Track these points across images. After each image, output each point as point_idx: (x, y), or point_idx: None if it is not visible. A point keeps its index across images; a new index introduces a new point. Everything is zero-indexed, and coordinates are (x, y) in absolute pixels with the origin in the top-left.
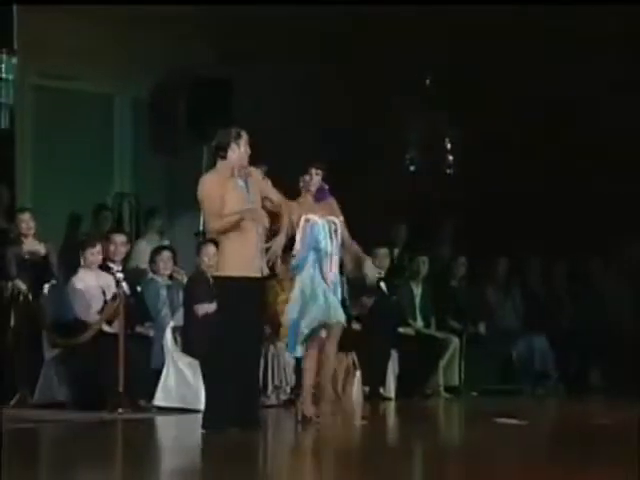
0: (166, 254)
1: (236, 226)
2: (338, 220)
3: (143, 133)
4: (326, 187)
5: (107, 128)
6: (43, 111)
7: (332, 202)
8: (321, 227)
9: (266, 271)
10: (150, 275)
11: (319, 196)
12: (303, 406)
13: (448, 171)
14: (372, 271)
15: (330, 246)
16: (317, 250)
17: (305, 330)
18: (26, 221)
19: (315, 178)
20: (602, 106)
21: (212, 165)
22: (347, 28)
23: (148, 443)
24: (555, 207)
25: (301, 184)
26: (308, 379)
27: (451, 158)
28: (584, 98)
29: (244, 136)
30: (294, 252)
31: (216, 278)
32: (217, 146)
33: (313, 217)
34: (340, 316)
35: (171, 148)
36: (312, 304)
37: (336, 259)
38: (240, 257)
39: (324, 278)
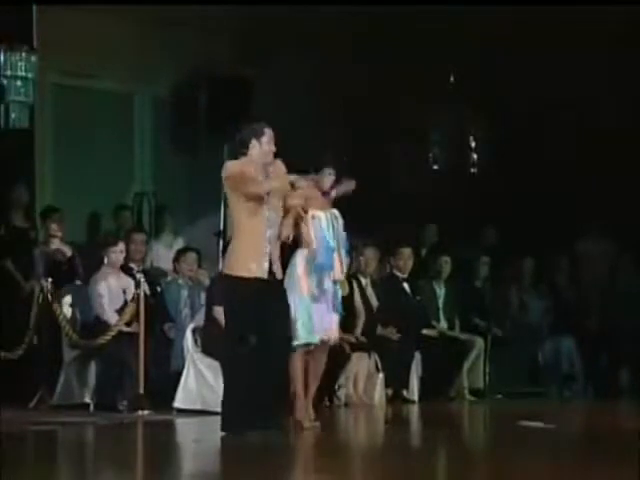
0: (192, 256)
1: (251, 219)
2: (338, 213)
3: (163, 132)
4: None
5: (127, 127)
6: (63, 110)
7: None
8: (326, 224)
9: (280, 274)
10: (172, 276)
11: (326, 194)
12: (295, 412)
13: (472, 170)
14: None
15: (334, 242)
16: (318, 245)
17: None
18: (56, 222)
19: (329, 178)
20: (631, 104)
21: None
22: (366, 25)
23: (168, 445)
24: (583, 206)
25: (311, 182)
26: (299, 386)
27: (475, 157)
28: (612, 96)
29: (267, 133)
30: (305, 246)
31: (228, 277)
32: (239, 142)
33: (319, 213)
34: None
35: (191, 147)
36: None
37: (342, 254)
38: (246, 258)
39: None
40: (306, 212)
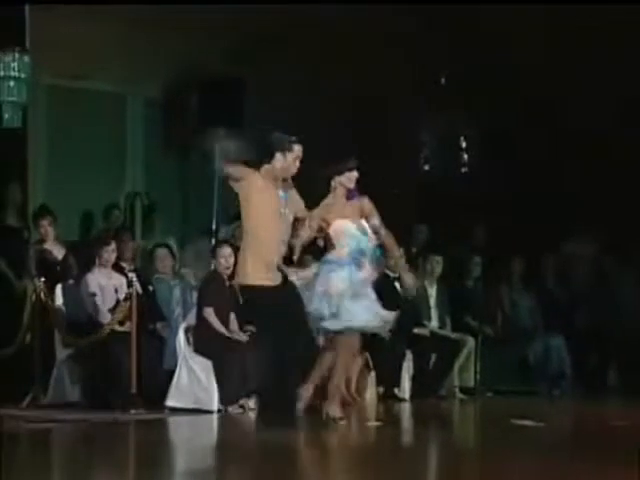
0: (161, 252)
1: (257, 235)
2: (367, 224)
3: (155, 132)
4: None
5: (119, 127)
6: (56, 110)
7: (364, 202)
8: (353, 230)
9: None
10: (157, 274)
11: (350, 195)
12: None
13: (463, 170)
14: (411, 282)
15: (367, 243)
16: (355, 253)
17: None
18: (44, 227)
19: (354, 178)
20: (624, 105)
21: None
22: (358, 25)
23: (161, 444)
24: (572, 205)
25: (333, 184)
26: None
27: (466, 157)
28: (603, 96)
29: (295, 149)
30: (329, 256)
31: (248, 287)
32: (268, 149)
33: (344, 221)
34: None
35: (183, 147)
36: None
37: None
38: (259, 267)
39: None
40: (328, 225)
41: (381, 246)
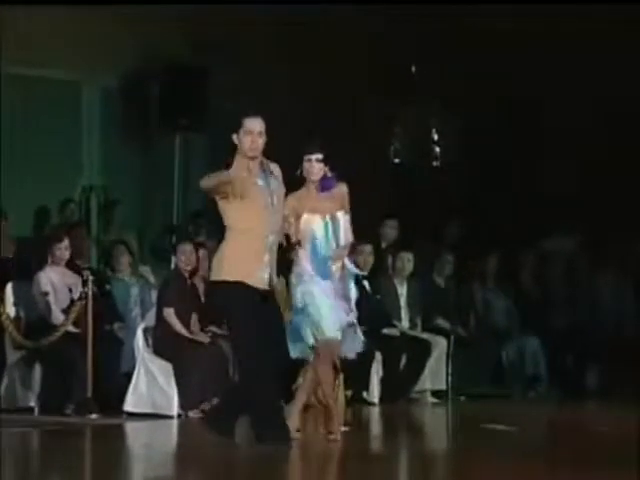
0: (117, 249)
1: (242, 225)
2: (342, 216)
3: (113, 123)
4: (330, 174)
5: (75, 117)
6: (8, 99)
7: (342, 191)
8: (321, 228)
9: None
10: (113, 272)
11: (325, 185)
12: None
13: (435, 164)
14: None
15: (329, 250)
16: (315, 255)
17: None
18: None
19: (316, 166)
20: (601, 97)
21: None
22: (329, 14)
23: (117, 451)
24: (549, 203)
25: (301, 173)
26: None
27: (438, 150)
28: (582, 94)
29: (245, 122)
30: (294, 256)
31: (224, 284)
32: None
33: (313, 217)
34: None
35: (142, 138)
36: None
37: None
38: (240, 264)
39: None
40: (299, 217)
41: None
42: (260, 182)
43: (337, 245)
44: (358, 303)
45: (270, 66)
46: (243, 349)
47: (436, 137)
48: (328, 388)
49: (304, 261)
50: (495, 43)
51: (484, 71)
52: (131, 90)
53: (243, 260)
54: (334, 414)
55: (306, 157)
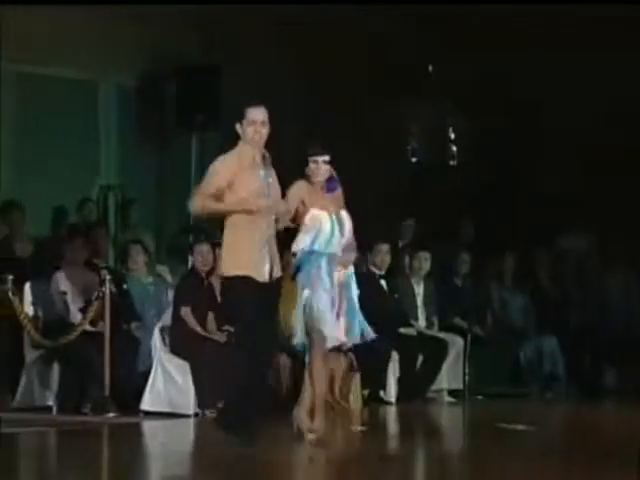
0: (133, 249)
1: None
2: (346, 215)
3: (129, 122)
4: (335, 177)
5: (91, 117)
6: (24, 99)
7: (339, 192)
8: (329, 225)
9: (278, 274)
10: (130, 272)
11: (330, 186)
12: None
13: (451, 162)
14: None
15: (336, 246)
16: (321, 251)
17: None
18: (13, 222)
19: (323, 167)
20: (617, 96)
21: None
22: (341, 12)
23: (134, 450)
24: (565, 201)
25: (307, 173)
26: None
27: (454, 149)
28: (595, 94)
29: (249, 112)
30: (294, 250)
31: (231, 278)
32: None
33: (321, 213)
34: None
35: (159, 137)
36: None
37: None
38: (240, 256)
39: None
40: (306, 209)
41: None
42: (261, 172)
43: (338, 241)
44: (362, 300)
45: (286, 66)
46: (242, 345)
47: (453, 136)
48: (320, 386)
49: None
50: (506, 42)
51: (500, 67)
52: (147, 90)
53: (243, 252)
54: (318, 412)
55: (312, 158)
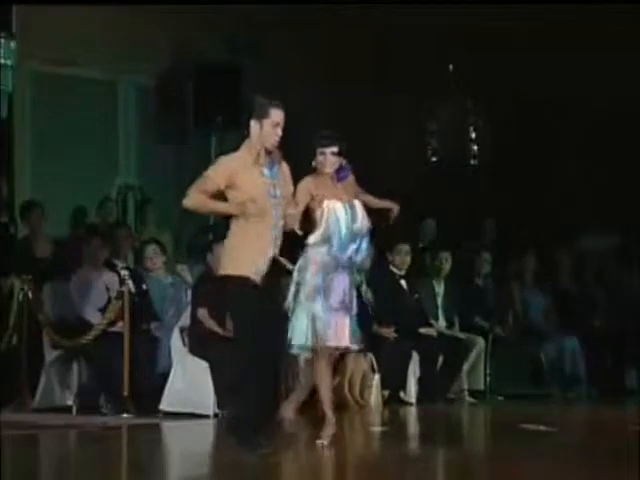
0: (150, 249)
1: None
2: (358, 203)
3: (148, 121)
4: (346, 165)
5: (111, 116)
6: (43, 98)
7: (352, 180)
8: (344, 214)
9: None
10: (148, 272)
11: (341, 175)
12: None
13: (472, 162)
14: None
15: (349, 236)
16: (334, 241)
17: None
18: (32, 222)
19: (331, 159)
20: (633, 96)
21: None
22: (362, 12)
23: (153, 451)
24: (587, 201)
25: (314, 165)
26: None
27: (475, 148)
28: (616, 87)
29: (273, 115)
30: (309, 242)
31: (227, 278)
32: (248, 119)
33: (335, 203)
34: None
35: (178, 137)
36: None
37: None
38: (244, 256)
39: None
40: (320, 202)
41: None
42: (266, 171)
43: (354, 231)
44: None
45: (306, 66)
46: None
47: (474, 135)
48: (325, 391)
49: (313, 254)
50: (528, 42)
51: (521, 65)
52: (167, 90)
53: (247, 252)
54: (328, 419)
55: (319, 150)
